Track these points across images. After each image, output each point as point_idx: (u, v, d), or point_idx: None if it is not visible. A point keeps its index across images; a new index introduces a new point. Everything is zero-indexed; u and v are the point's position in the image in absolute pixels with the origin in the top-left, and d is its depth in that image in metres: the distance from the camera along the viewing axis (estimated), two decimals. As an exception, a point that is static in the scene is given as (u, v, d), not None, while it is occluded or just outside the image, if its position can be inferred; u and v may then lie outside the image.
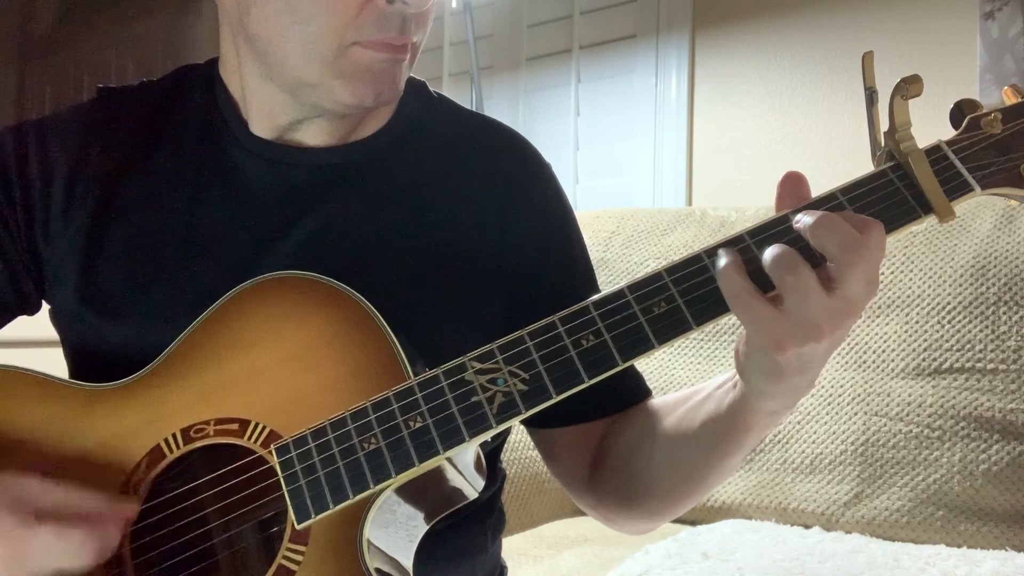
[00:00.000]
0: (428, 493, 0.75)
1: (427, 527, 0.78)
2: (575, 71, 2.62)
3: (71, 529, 0.69)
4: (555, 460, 0.97)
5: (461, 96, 2.66)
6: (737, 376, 0.74)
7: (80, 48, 2.61)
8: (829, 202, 0.69)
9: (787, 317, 0.64)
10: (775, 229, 0.69)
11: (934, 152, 0.71)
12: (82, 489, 0.72)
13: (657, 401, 0.92)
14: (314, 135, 0.91)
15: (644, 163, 2.47)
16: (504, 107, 2.72)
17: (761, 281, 0.66)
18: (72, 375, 0.93)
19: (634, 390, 0.94)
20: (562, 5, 2.63)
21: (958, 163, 0.70)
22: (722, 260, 0.67)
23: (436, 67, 2.86)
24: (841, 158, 2.08)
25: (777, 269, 0.65)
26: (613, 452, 0.91)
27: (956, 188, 0.70)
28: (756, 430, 0.76)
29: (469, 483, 0.77)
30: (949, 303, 1.56)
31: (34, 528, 0.68)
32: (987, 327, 1.51)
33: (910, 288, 1.61)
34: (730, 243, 0.69)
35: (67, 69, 2.60)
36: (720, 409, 0.77)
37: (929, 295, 1.58)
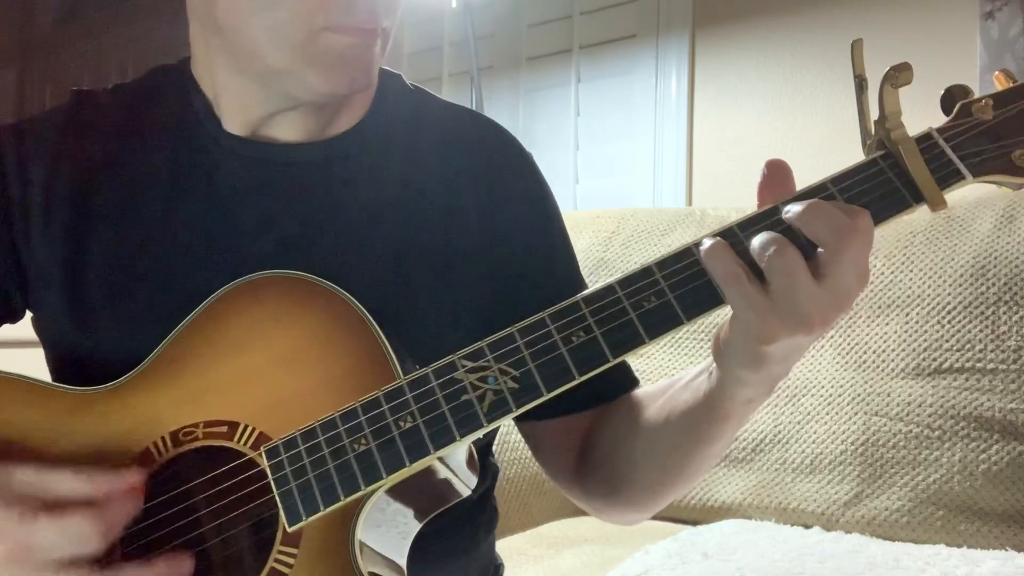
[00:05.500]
0: (420, 492, 0.75)
1: (420, 524, 0.78)
2: (575, 71, 2.61)
3: (72, 515, 0.67)
4: (542, 453, 0.97)
5: (461, 96, 2.67)
6: (714, 365, 0.73)
7: (80, 48, 2.61)
8: (820, 192, 0.69)
9: (777, 304, 0.64)
10: (765, 221, 0.68)
11: (925, 140, 0.70)
12: (79, 474, 0.71)
13: (638, 392, 0.92)
14: (289, 130, 0.90)
15: (644, 163, 2.47)
16: (504, 107, 2.72)
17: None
18: (56, 380, 0.91)
19: (620, 383, 0.94)
20: (562, 5, 2.63)
21: (949, 151, 0.70)
22: (708, 242, 0.66)
23: (436, 67, 2.86)
24: (841, 158, 2.05)
25: (763, 251, 0.65)
26: (598, 444, 0.91)
27: (947, 176, 0.69)
28: (734, 418, 0.76)
29: (462, 481, 0.76)
30: (949, 303, 1.55)
31: (35, 521, 0.67)
32: (987, 327, 1.50)
33: (910, 288, 1.60)
34: (720, 236, 0.69)
35: (67, 69, 2.60)
36: (698, 398, 0.76)
37: (929, 295, 1.58)
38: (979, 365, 1.49)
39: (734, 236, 0.68)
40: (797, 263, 0.63)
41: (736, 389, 0.72)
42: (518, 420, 0.96)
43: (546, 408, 0.89)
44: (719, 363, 0.72)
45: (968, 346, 1.51)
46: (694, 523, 1.64)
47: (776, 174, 0.70)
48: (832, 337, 1.65)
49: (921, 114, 0.74)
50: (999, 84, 0.73)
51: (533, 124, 2.67)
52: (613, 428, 0.90)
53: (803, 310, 0.63)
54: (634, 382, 0.94)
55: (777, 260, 0.64)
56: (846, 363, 1.63)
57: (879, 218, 0.68)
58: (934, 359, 1.54)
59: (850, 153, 0.73)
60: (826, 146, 2.15)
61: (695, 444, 0.79)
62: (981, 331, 1.51)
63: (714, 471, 1.70)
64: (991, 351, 1.49)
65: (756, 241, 0.65)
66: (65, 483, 0.70)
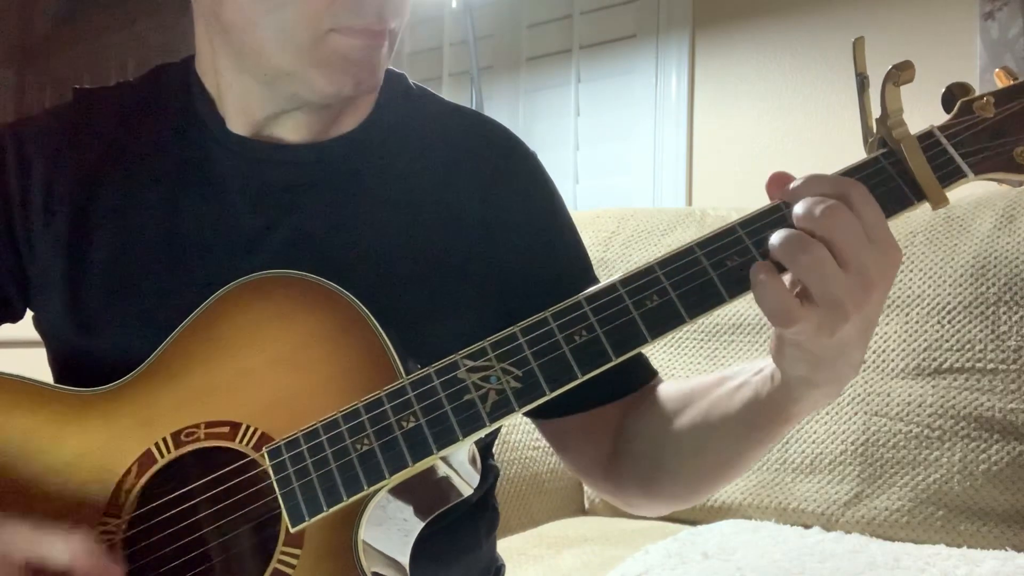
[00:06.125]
0: (422, 491, 0.75)
1: (422, 524, 0.78)
2: (575, 71, 2.61)
3: None
4: (569, 450, 0.96)
5: (461, 96, 2.66)
6: (773, 366, 0.72)
7: (80, 48, 2.60)
8: None
9: (814, 306, 0.64)
10: (767, 219, 0.68)
11: (926, 138, 0.70)
12: (68, 542, 0.70)
13: (680, 384, 0.90)
14: (292, 130, 0.90)
15: (644, 163, 2.47)
16: (504, 107, 2.72)
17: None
18: (57, 381, 0.91)
19: (641, 372, 0.93)
20: (562, 5, 2.63)
21: (951, 149, 0.70)
22: (762, 276, 0.65)
23: (436, 67, 2.85)
24: (841, 158, 2.05)
25: (789, 250, 0.64)
26: (635, 438, 0.90)
27: (949, 174, 0.69)
28: (796, 419, 0.75)
29: (464, 480, 0.76)
30: (949, 303, 1.55)
31: None
32: (987, 327, 1.50)
33: (910, 288, 1.60)
34: (722, 235, 0.69)
35: (67, 69, 2.59)
36: (760, 398, 0.75)
37: (929, 295, 1.58)
38: (979, 365, 1.49)
39: (736, 235, 0.68)
40: (824, 256, 0.63)
41: (803, 390, 0.71)
42: (541, 421, 0.95)
43: (570, 403, 0.88)
44: (781, 369, 0.71)
45: (968, 346, 1.51)
46: (694, 523, 1.64)
47: (780, 185, 0.70)
48: (832, 337, 1.64)
49: (921, 115, 0.74)
50: (1000, 82, 0.73)
51: (533, 124, 2.67)
52: (649, 421, 0.88)
53: (837, 300, 0.63)
54: (653, 372, 0.94)
55: (805, 258, 0.63)
56: (846, 363, 1.63)
57: None
58: (934, 359, 1.54)
59: (850, 153, 0.73)
60: (826, 146, 2.15)
61: (752, 443, 0.78)
62: (981, 331, 1.51)
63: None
64: (991, 351, 1.49)
65: (778, 240, 0.65)
66: (53, 550, 0.69)
